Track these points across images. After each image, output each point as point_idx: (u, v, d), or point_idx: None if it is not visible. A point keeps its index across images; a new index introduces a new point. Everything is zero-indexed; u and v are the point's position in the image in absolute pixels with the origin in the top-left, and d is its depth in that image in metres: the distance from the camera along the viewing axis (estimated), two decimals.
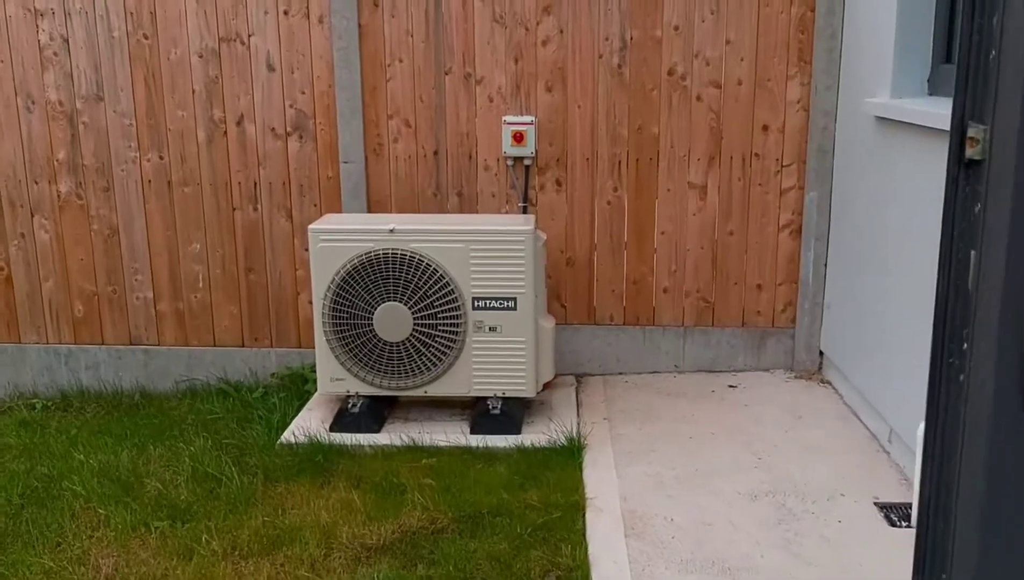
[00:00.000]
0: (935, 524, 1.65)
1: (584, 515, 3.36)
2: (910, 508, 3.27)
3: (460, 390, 4.08)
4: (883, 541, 3.16)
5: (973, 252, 1.52)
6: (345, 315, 4.03)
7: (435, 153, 4.56)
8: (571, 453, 3.82)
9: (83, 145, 4.63)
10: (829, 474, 3.62)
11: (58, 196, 4.69)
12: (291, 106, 4.54)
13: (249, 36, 4.49)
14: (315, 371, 4.19)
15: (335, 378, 4.12)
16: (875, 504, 3.38)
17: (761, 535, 3.21)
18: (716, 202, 4.51)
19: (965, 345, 1.56)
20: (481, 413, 4.08)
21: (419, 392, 4.11)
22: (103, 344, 4.83)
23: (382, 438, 4.01)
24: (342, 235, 3.99)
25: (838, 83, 4.28)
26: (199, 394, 4.71)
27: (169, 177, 4.64)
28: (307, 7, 4.43)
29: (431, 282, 3.96)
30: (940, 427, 1.64)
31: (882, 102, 3.67)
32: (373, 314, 4.01)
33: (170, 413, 4.50)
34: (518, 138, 4.46)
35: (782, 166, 4.45)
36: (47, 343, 4.85)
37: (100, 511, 3.48)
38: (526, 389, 4.06)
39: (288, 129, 4.57)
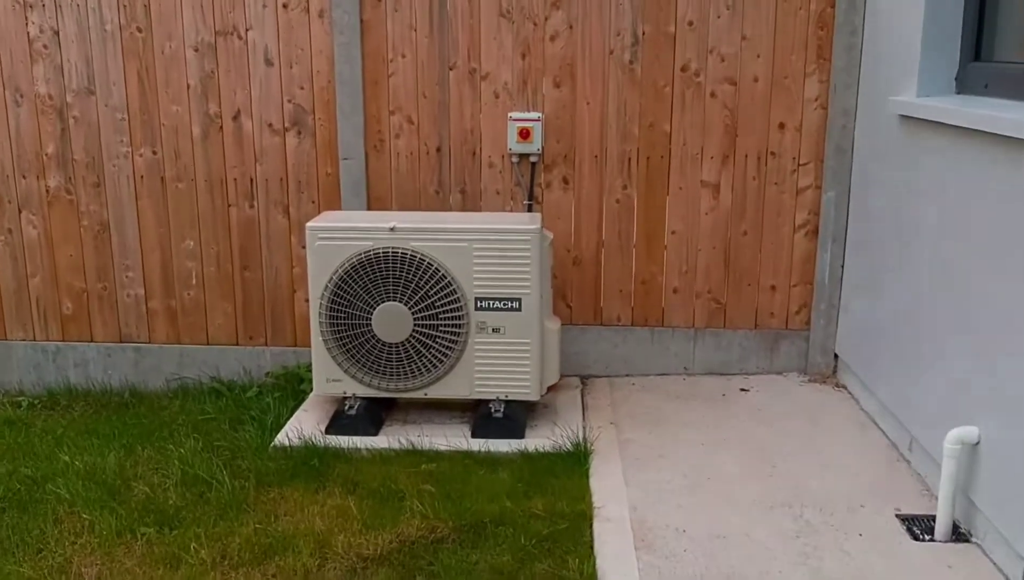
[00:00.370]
0: None
1: (591, 525, 3.20)
2: (934, 521, 3.12)
3: (461, 393, 3.93)
4: (907, 556, 3.00)
5: None
6: (343, 315, 3.88)
7: (438, 150, 4.42)
8: (577, 459, 3.66)
9: (73, 140, 4.50)
10: (848, 484, 3.47)
11: (47, 191, 4.55)
12: (289, 101, 4.40)
13: (247, 30, 4.36)
14: (311, 371, 4.04)
15: (331, 379, 3.97)
16: (897, 516, 3.23)
17: (779, 548, 3.05)
18: (730, 201, 4.37)
19: None
20: (483, 416, 3.93)
21: (419, 394, 3.96)
22: (92, 341, 4.70)
23: (380, 441, 3.86)
24: (341, 233, 3.85)
25: (858, 81, 4.15)
26: (191, 393, 4.58)
27: (162, 173, 4.51)
28: (307, 1, 4.30)
29: (432, 282, 3.81)
30: None
31: (908, 100, 3.53)
32: (372, 314, 3.86)
33: (160, 413, 4.36)
34: (524, 135, 4.32)
35: (799, 165, 4.31)
36: (34, 340, 4.72)
37: (84, 516, 3.32)
38: (530, 392, 3.91)
39: (286, 124, 4.43)
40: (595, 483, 3.49)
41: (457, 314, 3.84)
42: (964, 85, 3.46)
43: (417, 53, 4.34)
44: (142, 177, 4.52)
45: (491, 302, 3.84)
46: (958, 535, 3.08)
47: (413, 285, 3.82)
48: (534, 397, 3.93)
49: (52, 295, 4.66)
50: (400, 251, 3.81)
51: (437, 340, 3.87)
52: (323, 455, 3.73)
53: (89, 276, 4.63)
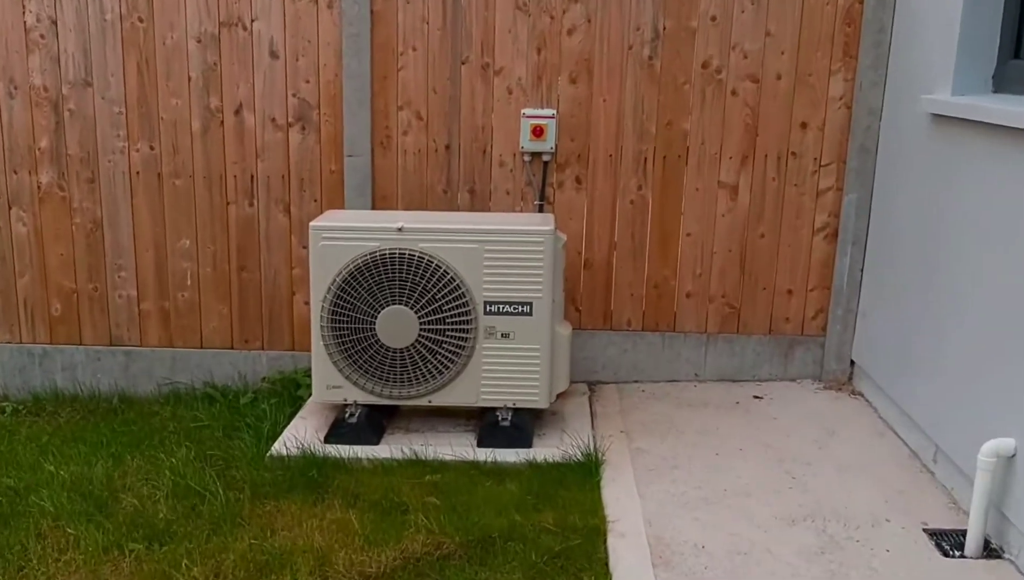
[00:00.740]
0: None
1: (605, 541, 3.05)
2: (963, 536, 2.99)
3: (467, 400, 3.77)
4: (938, 573, 2.86)
5: None
6: (346, 319, 3.71)
7: (447, 147, 4.26)
8: (588, 470, 3.50)
9: (68, 133, 4.34)
10: (871, 496, 3.32)
11: (38, 187, 4.40)
12: (294, 95, 4.25)
13: (252, 21, 4.21)
14: (309, 376, 3.90)
15: (332, 385, 3.80)
16: (924, 531, 3.09)
17: (803, 566, 2.90)
18: (747, 203, 4.22)
19: None
20: (490, 424, 3.77)
21: (422, 401, 3.79)
22: (81, 344, 4.53)
23: (381, 451, 3.69)
24: (346, 233, 3.69)
25: (885, 79, 4.01)
26: (183, 399, 4.42)
27: (159, 169, 4.36)
28: None
29: (441, 285, 3.65)
30: None
31: (942, 99, 3.40)
32: (376, 318, 3.70)
33: (151, 419, 4.21)
34: (537, 132, 4.17)
35: (820, 166, 4.16)
36: (20, 342, 4.55)
37: (70, 531, 3.15)
38: (539, 400, 3.75)
39: (290, 120, 4.28)
40: (607, 495, 3.34)
41: (465, 319, 3.68)
42: (1001, 84, 3.34)
43: (429, 46, 4.18)
44: (138, 173, 4.36)
45: (501, 306, 3.68)
46: (990, 551, 2.95)
47: (420, 288, 3.66)
48: (543, 405, 3.77)
49: (41, 296, 4.49)
50: (408, 252, 3.65)
51: (443, 345, 3.70)
52: (322, 465, 3.57)
53: (80, 276, 4.47)
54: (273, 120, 4.28)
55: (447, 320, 3.69)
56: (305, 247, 4.36)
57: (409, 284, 3.67)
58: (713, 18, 4.08)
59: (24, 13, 4.24)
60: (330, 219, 3.81)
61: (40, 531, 3.17)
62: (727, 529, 3.11)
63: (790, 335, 4.34)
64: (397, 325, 3.70)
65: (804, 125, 4.13)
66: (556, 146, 4.21)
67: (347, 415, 3.82)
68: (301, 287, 4.39)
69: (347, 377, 3.78)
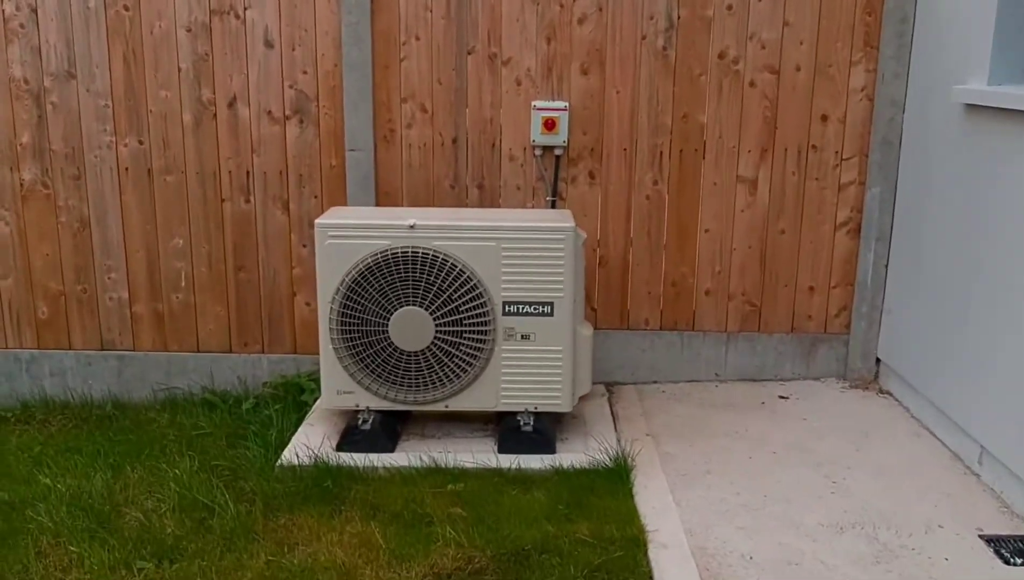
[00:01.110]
0: None
1: (647, 552, 2.90)
2: (1023, 542, 2.86)
3: (486, 404, 3.60)
4: None
5: None
6: (356, 321, 3.53)
7: (454, 141, 4.09)
8: (618, 476, 3.35)
9: (51, 128, 4.11)
10: (917, 501, 3.20)
11: (21, 185, 4.15)
12: (291, 87, 4.06)
13: (245, 8, 4.01)
14: (313, 380, 3.72)
15: (343, 391, 3.61)
16: (980, 537, 2.97)
17: (860, 577, 2.77)
18: (767, 198, 4.10)
19: None
20: (510, 429, 3.60)
21: (439, 406, 3.62)
22: (70, 349, 4.30)
23: (398, 458, 3.51)
24: (354, 231, 3.50)
25: (908, 70, 3.90)
26: (180, 405, 4.20)
27: (149, 164, 4.14)
28: None
29: (457, 285, 3.48)
30: None
31: (978, 89, 3.30)
32: (388, 320, 3.51)
33: (148, 427, 3.99)
34: (549, 125, 4.01)
35: (842, 159, 4.05)
36: (6, 347, 4.31)
37: (72, 548, 2.94)
38: (562, 403, 3.60)
39: (287, 112, 4.08)
40: (642, 503, 3.19)
41: (483, 320, 3.51)
42: None
43: (432, 35, 4.01)
44: (127, 169, 4.13)
45: (520, 306, 3.51)
46: None
47: (435, 288, 3.49)
48: (566, 409, 3.62)
49: (26, 298, 4.24)
50: (421, 251, 3.47)
51: (461, 348, 3.53)
52: (337, 475, 3.38)
53: (67, 277, 4.22)
54: (269, 113, 4.08)
55: (464, 322, 3.52)
56: (306, 245, 4.17)
57: (424, 284, 3.49)
58: (729, 7, 3.95)
59: (2, 2, 4.01)
60: (336, 216, 3.61)
61: (40, 549, 2.95)
62: (774, 538, 2.98)
63: (813, 333, 4.23)
64: (411, 327, 3.52)
65: (824, 118, 4.02)
66: (568, 139, 4.06)
67: (360, 421, 3.63)
68: (302, 287, 4.20)
69: (359, 382, 3.59)
